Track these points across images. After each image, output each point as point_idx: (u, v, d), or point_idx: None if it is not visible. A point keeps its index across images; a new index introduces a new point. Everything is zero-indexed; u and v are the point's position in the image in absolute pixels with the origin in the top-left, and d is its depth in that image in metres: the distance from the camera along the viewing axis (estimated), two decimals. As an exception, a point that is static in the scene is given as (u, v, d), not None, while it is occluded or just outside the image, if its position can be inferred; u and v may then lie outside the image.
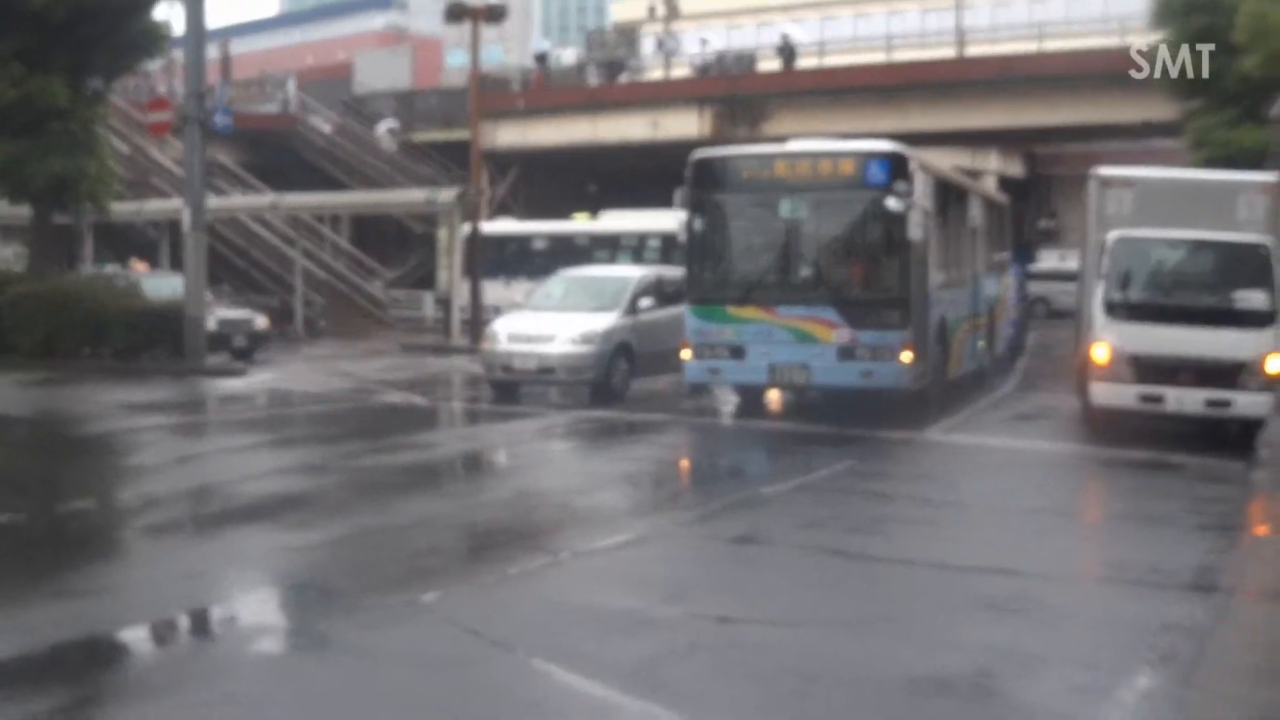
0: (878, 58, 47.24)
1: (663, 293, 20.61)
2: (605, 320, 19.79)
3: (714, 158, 18.28)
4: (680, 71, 50.46)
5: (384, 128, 47.77)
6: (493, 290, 33.61)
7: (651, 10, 61.05)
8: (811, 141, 19.33)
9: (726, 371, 17.53)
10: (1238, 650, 7.81)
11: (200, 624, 8.03)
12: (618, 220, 38.16)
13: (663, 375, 20.27)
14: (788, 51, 49.27)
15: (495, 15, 35.09)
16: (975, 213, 22.24)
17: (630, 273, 22.11)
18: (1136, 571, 9.14)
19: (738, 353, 17.21)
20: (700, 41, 59.62)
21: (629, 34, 57.02)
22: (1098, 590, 8.85)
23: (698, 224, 17.79)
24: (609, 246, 36.36)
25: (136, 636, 7.65)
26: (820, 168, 17.35)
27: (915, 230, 16.58)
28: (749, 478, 14.34)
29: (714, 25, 69.73)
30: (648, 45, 56.29)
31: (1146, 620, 7.87)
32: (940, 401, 18.48)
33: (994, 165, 58.06)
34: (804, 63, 48.58)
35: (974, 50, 45.90)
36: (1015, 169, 61.16)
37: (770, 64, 49.56)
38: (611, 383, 19.63)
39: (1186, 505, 11.91)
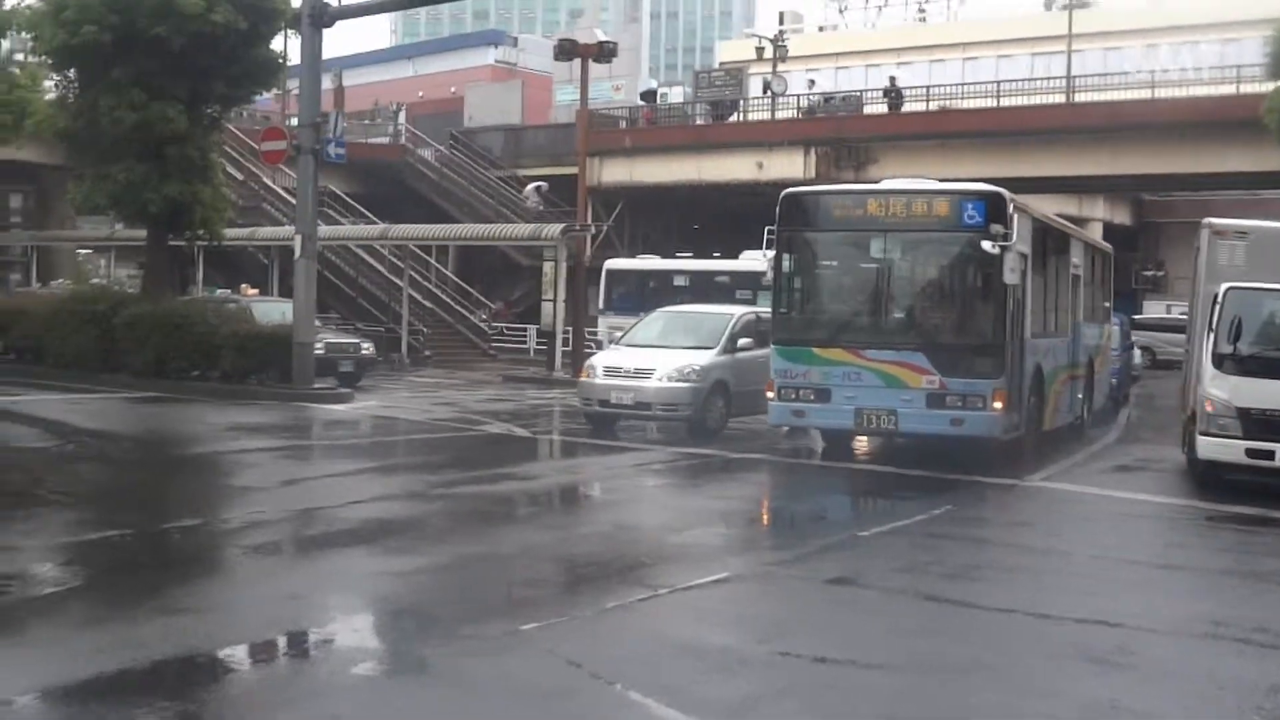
0: (986, 103, 46.97)
1: (761, 332, 20.36)
2: (703, 358, 19.86)
3: (805, 194, 17.99)
4: (785, 113, 50.42)
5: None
6: None
7: (759, 51, 61.15)
8: (906, 180, 18.84)
9: (811, 414, 17.14)
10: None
11: (301, 645, 8.14)
12: (759, 260, 37.88)
13: (760, 415, 20.23)
14: (894, 95, 49.15)
15: (605, 53, 35.38)
16: (1076, 259, 21.63)
17: (729, 311, 22.10)
18: (1243, 630, 8.95)
19: (823, 395, 16.77)
20: (808, 83, 59.67)
21: (736, 74, 57.07)
22: (1202, 647, 8.68)
23: (786, 262, 17.44)
24: (750, 285, 36.19)
25: (238, 655, 7.74)
26: (914, 207, 16.80)
27: (1011, 275, 15.95)
28: (846, 520, 14.27)
29: (822, 67, 69.84)
30: (755, 86, 56.34)
31: (1254, 680, 7.71)
32: (1034, 453, 17.97)
33: (1101, 213, 57.52)
34: (911, 107, 48.45)
35: (1083, 97, 45.44)
36: (1123, 217, 60.56)
37: (878, 107, 49.47)
38: (707, 420, 19.63)
39: (1295, 564, 11.67)
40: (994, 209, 16.20)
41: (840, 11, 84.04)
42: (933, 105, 47.78)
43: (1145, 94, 43.70)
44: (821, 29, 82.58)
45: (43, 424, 18.59)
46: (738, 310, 22.04)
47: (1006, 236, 15.91)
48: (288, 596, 9.13)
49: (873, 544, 11.87)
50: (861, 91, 52.91)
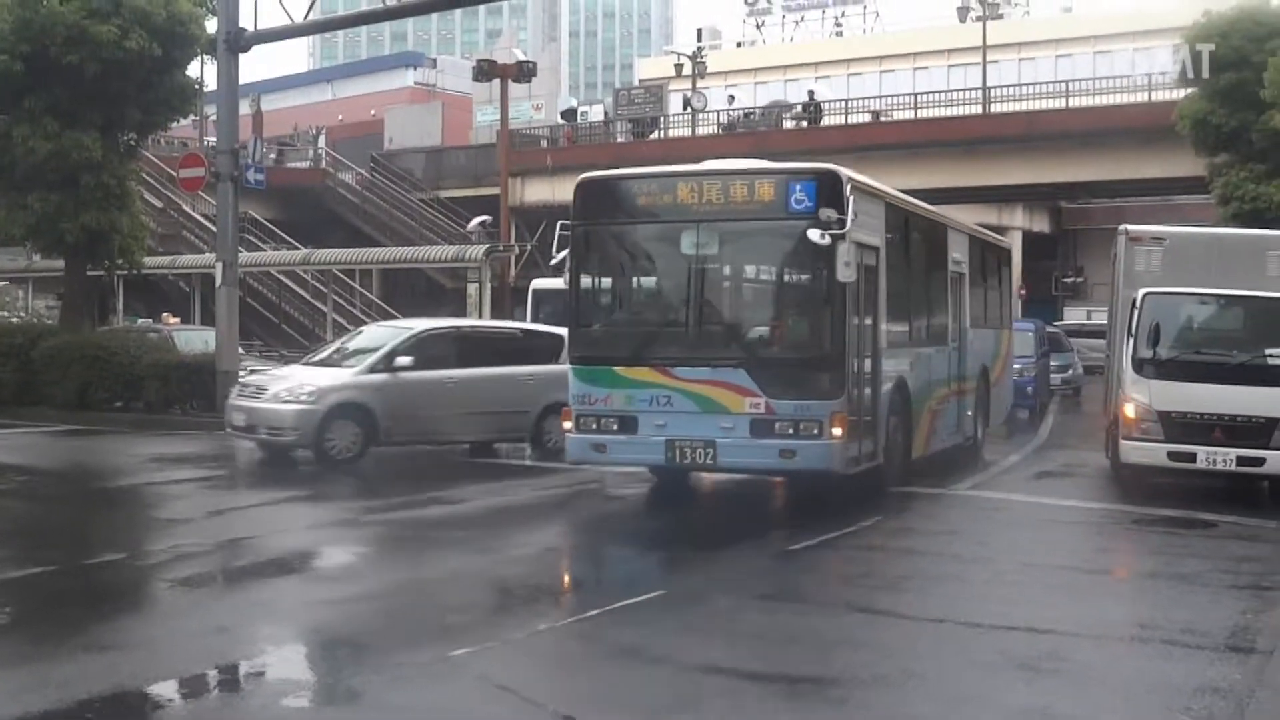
0: (904, 115, 47.50)
1: (467, 349, 19.25)
2: (333, 377, 18.18)
3: (603, 179, 15.11)
4: (705, 129, 50.68)
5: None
6: None
7: (679, 68, 61.41)
8: (729, 160, 16.47)
9: (613, 448, 14.26)
10: (1277, 714, 7.65)
11: (230, 679, 8.03)
12: None
13: (430, 445, 19.20)
14: (813, 109, 49.49)
15: (524, 73, 35.44)
16: (958, 255, 18.89)
17: (408, 327, 19.93)
18: (1170, 631, 9.06)
19: (627, 425, 14.01)
20: (727, 98, 59.96)
21: (656, 92, 57.32)
22: (1130, 650, 8.78)
23: (582, 263, 14.60)
24: None
25: (166, 691, 7.63)
26: (733, 192, 13.98)
27: (846, 270, 13.11)
28: (775, 534, 14.24)
29: (741, 82, 70.24)
30: (675, 103, 56.64)
31: (1182, 682, 7.80)
32: (899, 486, 15.47)
33: (1020, 221, 58.29)
34: (829, 120, 48.86)
35: (1001, 107, 46.06)
36: (1041, 224, 61.37)
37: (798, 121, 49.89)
38: (328, 447, 17.68)
39: (1219, 565, 11.80)
40: (826, 190, 13.48)
41: (758, 27, 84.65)
42: (861, 117, 48.25)
43: (1059, 103, 44.34)
44: (740, 45, 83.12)
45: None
46: (420, 324, 20.06)
47: (840, 223, 13.15)
48: (216, 629, 9.00)
49: (805, 558, 11.90)
50: (780, 107, 53.24)
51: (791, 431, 13.38)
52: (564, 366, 18.51)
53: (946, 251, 18.35)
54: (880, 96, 51.55)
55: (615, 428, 14.06)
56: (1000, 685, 7.75)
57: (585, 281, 14.74)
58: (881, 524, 13.65)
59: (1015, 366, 24.53)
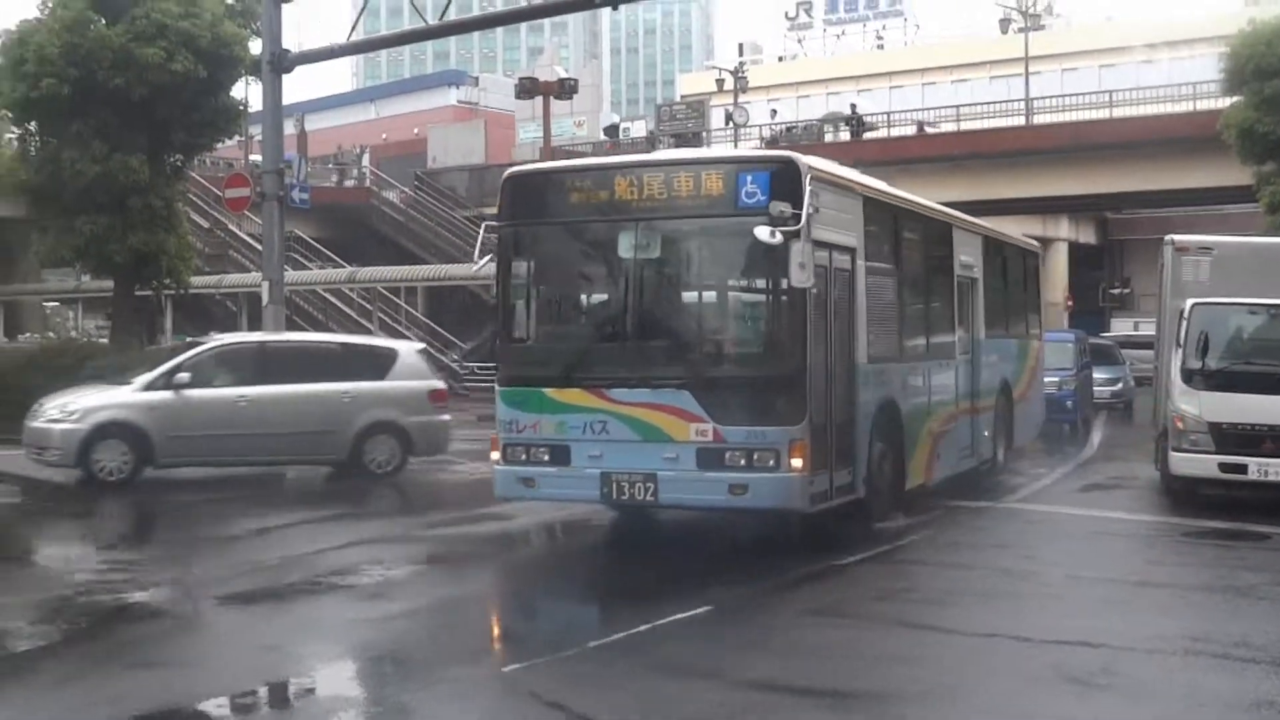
0: (947, 127, 47.42)
1: (272, 364, 18.38)
2: (103, 397, 17.69)
3: (531, 173, 13.60)
4: (747, 144, 50.70)
5: None
6: None
7: (720, 83, 61.50)
8: (675, 151, 13.48)
9: (543, 482, 12.47)
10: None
11: (281, 696, 8.07)
12: None
13: (218, 467, 18.45)
14: (856, 122, 49.47)
15: (566, 90, 35.51)
16: (966, 258, 17.06)
17: (202, 341, 19.38)
18: (1223, 645, 8.96)
19: (559, 455, 12.27)
20: (770, 113, 59.99)
21: (698, 107, 57.41)
22: (1184, 664, 8.68)
23: (509, 270, 12.96)
24: None
25: (218, 708, 7.68)
26: (677, 185, 12.11)
27: (801, 274, 11.14)
28: (821, 548, 14.15)
29: (783, 96, 70.25)
30: (717, 118, 56.69)
31: (1237, 696, 7.72)
32: (894, 518, 13.91)
33: (1065, 232, 58.05)
34: (871, 133, 48.88)
35: (1043, 118, 45.90)
36: (1088, 235, 61.09)
37: (840, 134, 49.88)
38: (93, 468, 17.07)
39: (1273, 577, 11.71)
40: (782, 181, 11.64)
41: (799, 41, 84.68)
42: (904, 130, 48.17)
43: (1103, 114, 44.16)
44: (781, 59, 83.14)
45: (12, 479, 18.42)
46: (220, 339, 19.58)
47: (795, 218, 11.25)
48: (266, 646, 9.06)
49: (852, 572, 11.84)
50: (835, 118, 53.29)
51: (744, 463, 11.62)
52: (390, 383, 18.39)
53: (952, 254, 16.58)
54: (922, 109, 51.39)
55: (546, 458, 12.36)
56: (1053, 700, 7.69)
57: (512, 291, 13.07)
58: (930, 538, 13.57)
59: (1051, 379, 23.73)
